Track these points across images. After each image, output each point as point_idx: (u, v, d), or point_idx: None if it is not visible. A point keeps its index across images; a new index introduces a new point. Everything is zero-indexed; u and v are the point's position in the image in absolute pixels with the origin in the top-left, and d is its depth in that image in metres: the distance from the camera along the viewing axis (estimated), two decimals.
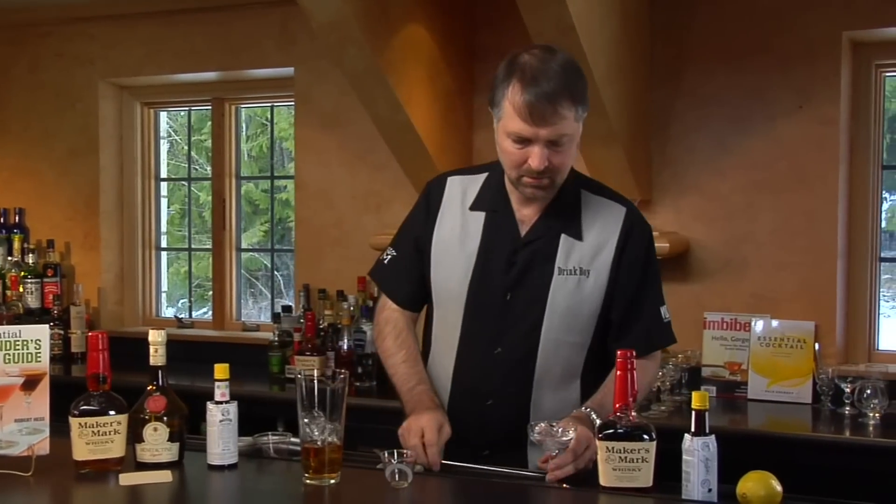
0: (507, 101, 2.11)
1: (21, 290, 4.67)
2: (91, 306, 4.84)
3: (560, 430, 2.04)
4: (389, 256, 2.42)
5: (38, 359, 2.09)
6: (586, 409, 2.14)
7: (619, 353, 1.95)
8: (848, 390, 3.36)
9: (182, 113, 5.21)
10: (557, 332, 2.21)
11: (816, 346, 3.56)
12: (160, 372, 2.12)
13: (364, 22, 3.38)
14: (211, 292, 4.99)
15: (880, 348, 3.71)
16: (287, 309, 4.27)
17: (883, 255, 3.72)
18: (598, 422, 2.08)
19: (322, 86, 4.39)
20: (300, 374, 2.01)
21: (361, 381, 3.90)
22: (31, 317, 4.61)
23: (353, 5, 3.33)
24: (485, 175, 2.33)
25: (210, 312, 4.94)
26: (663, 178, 3.83)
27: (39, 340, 2.09)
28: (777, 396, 3.56)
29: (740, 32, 3.72)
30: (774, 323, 3.62)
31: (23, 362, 2.07)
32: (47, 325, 2.14)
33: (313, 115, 4.44)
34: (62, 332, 4.61)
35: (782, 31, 3.66)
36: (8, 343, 2.06)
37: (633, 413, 1.93)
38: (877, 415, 3.24)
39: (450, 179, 2.37)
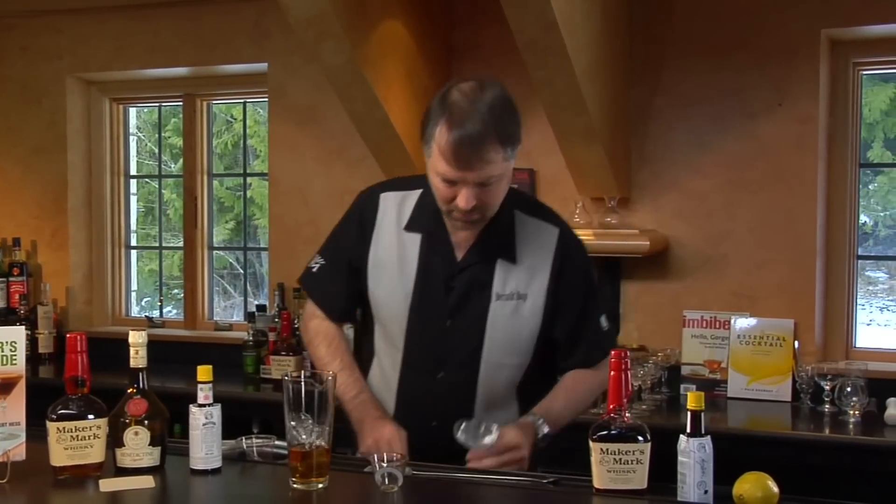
0: (434, 142, 2.08)
1: None
2: (59, 306, 4.75)
3: (483, 429, 2.07)
4: (318, 265, 2.40)
5: (14, 361, 2.02)
6: (533, 416, 2.20)
7: (612, 353, 1.92)
8: (828, 388, 3.36)
9: (146, 110, 5.11)
10: (497, 355, 2.24)
11: (796, 343, 3.56)
12: (141, 374, 2.05)
13: (342, 17, 3.33)
14: (176, 290, 4.92)
15: (857, 346, 3.72)
16: (261, 308, 4.21)
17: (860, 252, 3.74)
18: (545, 428, 2.17)
19: (296, 81, 4.33)
20: (286, 376, 1.96)
21: None
22: None
23: (332, 0, 3.28)
24: (419, 192, 2.28)
25: (176, 311, 4.87)
26: (642, 176, 3.81)
27: (15, 342, 2.02)
28: (757, 395, 3.56)
29: (719, 30, 3.71)
30: (754, 321, 3.62)
31: None
32: (23, 327, 2.07)
33: (287, 111, 4.38)
34: (29, 332, 4.50)
35: (761, 29, 3.66)
36: None
37: (628, 414, 1.90)
38: (857, 412, 3.25)
39: (382, 196, 2.32)
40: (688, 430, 1.84)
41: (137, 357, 2.06)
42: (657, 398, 3.56)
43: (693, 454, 1.82)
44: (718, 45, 3.71)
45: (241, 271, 5.39)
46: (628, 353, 1.93)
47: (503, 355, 2.23)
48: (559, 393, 2.27)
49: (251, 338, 4.09)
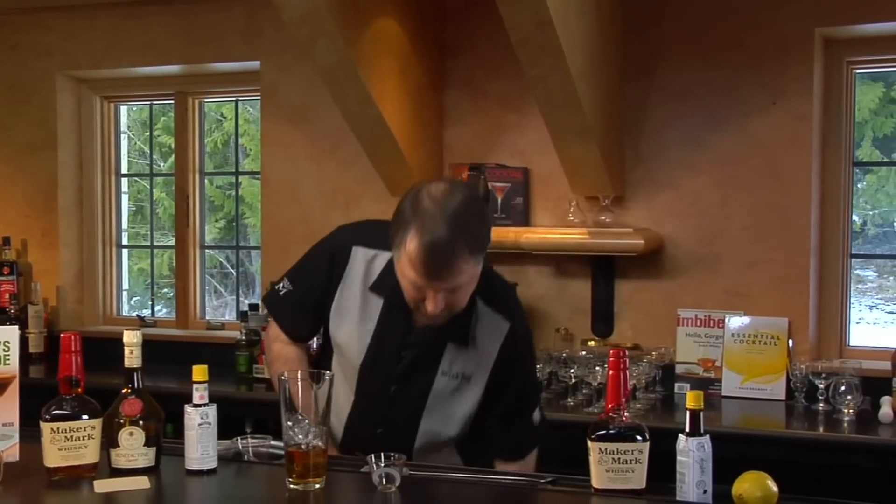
0: (404, 248, 2.06)
1: None
2: (50, 305, 4.71)
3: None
4: (285, 290, 2.41)
5: (7, 361, 2.00)
6: None
7: (611, 351, 1.92)
8: (822, 387, 3.36)
9: (135, 108, 5.08)
10: (434, 426, 2.30)
11: (790, 342, 3.55)
12: (136, 374, 2.04)
13: (336, 14, 3.31)
14: (165, 289, 4.90)
15: (851, 344, 3.72)
16: (254, 307, 4.18)
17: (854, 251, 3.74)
18: None
19: (288, 80, 4.31)
20: (283, 376, 1.94)
21: None
22: None
23: None
24: (389, 256, 2.24)
25: (166, 311, 4.85)
26: (636, 175, 3.81)
27: (8, 342, 2.01)
28: (751, 393, 3.55)
29: (713, 28, 3.71)
30: (748, 319, 3.62)
31: None
32: (16, 327, 2.05)
33: (280, 110, 4.36)
34: (20, 331, 4.46)
35: (755, 27, 3.65)
36: None
37: (626, 414, 1.89)
38: (851, 411, 3.24)
39: (354, 250, 2.32)
40: (687, 429, 1.84)
41: (132, 357, 2.05)
42: (651, 397, 3.55)
43: (692, 453, 1.82)
44: (712, 44, 3.70)
45: (231, 270, 5.38)
46: (627, 353, 1.92)
47: (440, 427, 2.30)
48: None
49: (244, 337, 4.07)
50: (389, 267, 2.24)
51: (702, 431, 1.83)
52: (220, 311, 5.31)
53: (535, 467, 2.35)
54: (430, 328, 2.22)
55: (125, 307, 4.98)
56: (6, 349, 2.00)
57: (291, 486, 1.90)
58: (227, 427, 3.58)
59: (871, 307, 4.18)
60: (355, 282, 2.30)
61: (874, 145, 3.96)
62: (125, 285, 4.99)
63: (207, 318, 4.73)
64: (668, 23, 3.76)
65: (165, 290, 5.17)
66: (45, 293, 4.67)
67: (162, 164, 5.25)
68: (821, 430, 3.23)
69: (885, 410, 3.21)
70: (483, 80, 4.03)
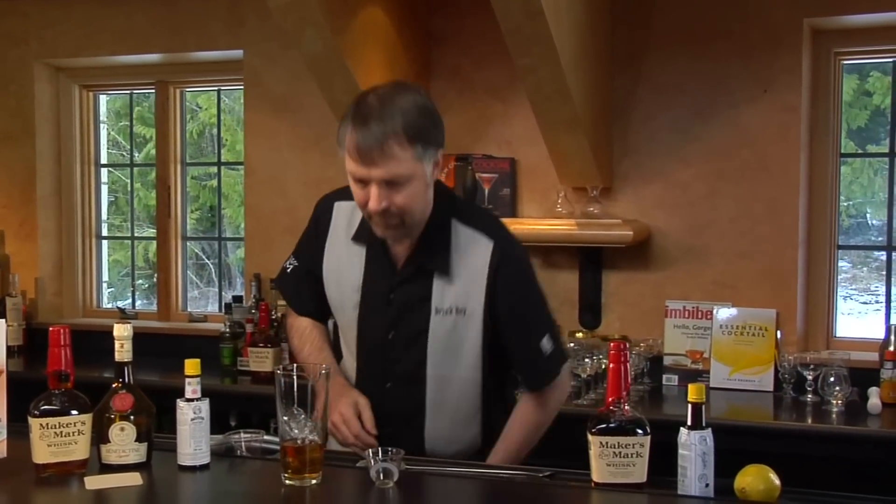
0: (345, 142, 2.06)
1: None
2: (28, 297, 4.64)
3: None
4: (291, 266, 2.42)
5: None
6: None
7: (612, 344, 1.89)
8: (810, 378, 3.36)
9: (109, 97, 5.01)
10: (444, 368, 2.21)
11: (778, 333, 3.55)
12: (126, 368, 2.00)
13: (323, 3, 3.27)
14: (140, 280, 4.85)
15: (838, 335, 3.72)
16: (237, 299, 4.14)
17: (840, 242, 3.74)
18: None
19: (272, 69, 4.26)
20: (279, 369, 1.91)
21: None
22: None
23: None
24: None
25: (145, 302, 4.79)
26: (624, 166, 3.79)
27: None
28: (739, 384, 3.55)
29: (701, 19, 3.70)
30: (736, 311, 3.61)
31: None
32: (3, 320, 1.99)
33: (263, 100, 4.31)
34: None
35: (743, 18, 3.64)
36: None
37: (627, 407, 1.87)
38: (840, 402, 3.25)
39: (336, 205, 2.32)
40: (688, 422, 1.82)
41: (123, 351, 2.01)
42: (640, 389, 3.54)
43: (694, 447, 1.80)
44: (701, 34, 3.69)
45: (207, 261, 5.32)
46: (628, 346, 1.90)
47: (449, 368, 2.20)
48: (508, 437, 2.25)
49: (228, 330, 4.02)
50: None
51: (703, 425, 1.81)
52: (197, 302, 5.25)
53: (557, 407, 2.27)
54: (410, 263, 2.18)
55: (105, 299, 4.91)
56: None
57: (287, 481, 1.87)
58: (212, 421, 3.54)
59: (845, 298, 4.19)
60: (339, 236, 2.28)
61: (849, 136, 3.97)
62: (105, 277, 4.93)
63: (192, 310, 4.67)
64: (656, 13, 3.74)
65: (140, 281, 5.10)
66: (24, 285, 4.61)
67: (137, 155, 5.18)
68: (810, 421, 3.23)
69: (874, 401, 3.22)
70: (470, 69, 4.00)
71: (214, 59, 4.45)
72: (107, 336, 4.56)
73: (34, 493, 1.88)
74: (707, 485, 1.80)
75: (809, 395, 3.36)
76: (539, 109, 3.37)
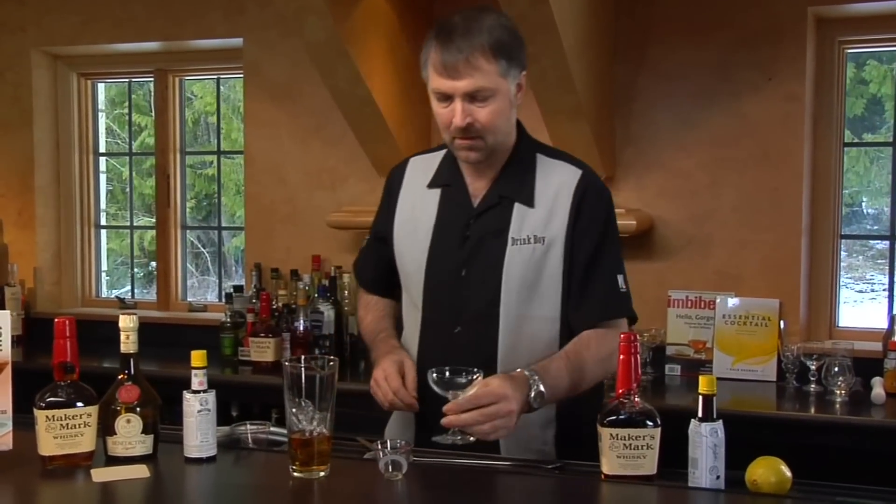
0: (430, 60, 2.07)
1: None
2: (26, 287, 4.62)
3: (464, 376, 1.97)
4: (367, 240, 2.44)
5: (0, 346, 1.93)
6: (528, 370, 2.01)
7: (622, 336, 1.87)
8: (814, 368, 3.35)
9: (104, 86, 4.98)
10: (518, 306, 2.11)
11: (781, 323, 3.55)
12: (132, 360, 1.98)
13: None
14: (137, 269, 4.83)
15: (840, 325, 3.72)
16: (238, 289, 4.12)
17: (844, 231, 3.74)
18: (539, 385, 1.98)
19: (272, 57, 4.23)
20: (286, 361, 1.89)
21: None
22: None
23: None
24: (443, 152, 2.26)
25: (144, 291, 4.77)
26: (627, 155, 3.78)
27: (0, 327, 1.93)
28: (742, 374, 3.55)
29: (704, 7, 3.68)
30: (738, 300, 3.60)
31: None
32: (8, 312, 1.98)
33: (263, 88, 4.28)
34: None
35: (747, 7, 3.62)
36: None
37: (638, 398, 1.86)
38: (843, 392, 3.24)
39: (411, 161, 2.33)
40: (699, 414, 1.81)
41: (128, 342, 1.99)
42: (642, 379, 3.53)
43: (705, 439, 1.79)
44: (704, 23, 3.67)
45: (203, 250, 5.30)
46: (638, 337, 1.88)
47: (524, 305, 2.11)
48: (560, 353, 2.09)
49: (228, 319, 4.00)
50: (445, 159, 2.23)
51: (714, 416, 1.80)
52: (195, 291, 5.23)
53: (612, 352, 2.05)
54: (491, 195, 2.13)
55: (104, 289, 4.89)
56: None
57: (295, 473, 1.85)
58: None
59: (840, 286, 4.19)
60: (413, 188, 2.26)
61: (846, 125, 3.96)
62: (104, 266, 4.91)
63: (192, 299, 4.66)
64: (658, 2, 3.72)
65: (136, 270, 5.08)
66: (22, 274, 4.58)
67: (133, 143, 5.15)
68: (813, 411, 3.22)
69: (878, 391, 3.21)
70: None
71: (213, 47, 4.42)
72: (105, 325, 4.56)
73: (41, 486, 1.87)
74: (718, 477, 1.80)
75: (813, 385, 3.36)
76: (542, 99, 3.35)
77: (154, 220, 4.72)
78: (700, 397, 1.81)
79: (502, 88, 2.06)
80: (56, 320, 1.95)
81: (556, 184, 2.15)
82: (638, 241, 3.71)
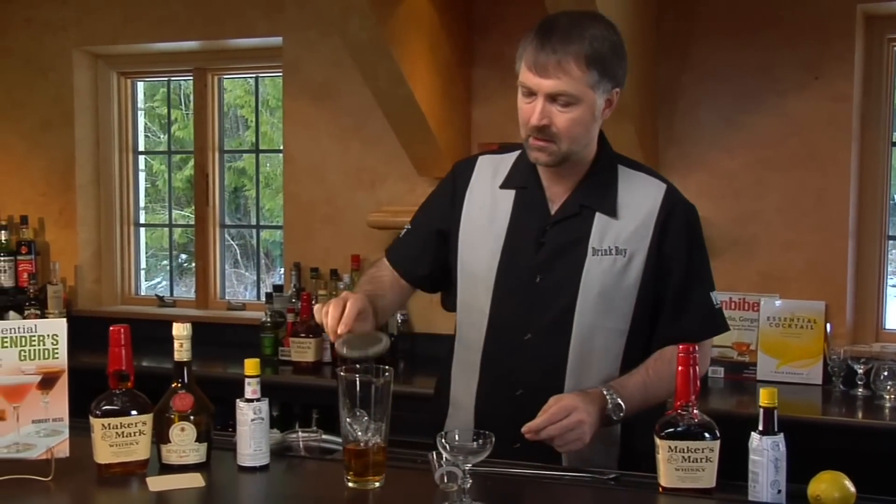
0: (525, 54, 2.06)
1: None
2: (68, 285, 4.65)
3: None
4: (405, 231, 2.35)
5: (56, 355, 1.94)
6: (604, 387, 2.04)
7: (680, 347, 1.84)
8: (861, 371, 3.31)
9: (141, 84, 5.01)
10: (592, 316, 2.09)
11: (827, 326, 3.50)
12: (185, 368, 1.98)
13: None
14: (165, 262, 4.86)
15: (887, 327, 3.67)
16: (278, 288, 4.12)
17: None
18: (616, 401, 2.01)
19: (311, 56, 4.23)
20: (342, 371, 1.89)
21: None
22: (5, 296, 4.42)
23: None
24: (517, 153, 2.23)
25: (183, 288, 4.81)
26: (670, 155, 3.74)
27: (57, 336, 1.94)
28: (787, 377, 3.51)
29: (749, 5, 3.63)
30: (783, 303, 3.56)
31: (39, 359, 1.92)
32: (64, 320, 1.99)
33: (302, 87, 4.28)
34: (39, 312, 4.41)
35: (793, 5, 3.57)
36: (23, 339, 1.91)
37: (696, 411, 1.84)
38: (892, 397, 3.20)
39: (481, 158, 2.29)
40: (760, 427, 1.78)
41: (182, 350, 1.99)
42: None
43: (766, 453, 1.76)
44: (749, 21, 3.62)
45: (233, 242, 5.31)
46: (697, 349, 1.86)
47: (599, 317, 2.08)
48: (639, 370, 2.09)
49: (269, 319, 4.01)
50: (518, 160, 2.20)
51: (776, 430, 1.78)
52: (233, 286, 5.24)
53: (706, 366, 2.13)
54: (571, 202, 2.11)
55: (143, 286, 4.92)
56: (55, 342, 1.94)
57: (350, 484, 1.85)
58: None
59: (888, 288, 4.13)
60: (483, 187, 2.21)
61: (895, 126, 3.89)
62: (143, 264, 4.93)
63: (230, 298, 4.67)
64: (703, 0, 3.67)
65: (165, 262, 5.09)
66: (63, 273, 4.61)
67: (162, 137, 5.16)
68: (860, 416, 3.18)
69: None
70: (512, 57, 3.90)
71: (253, 45, 4.42)
72: (145, 323, 4.60)
73: (97, 494, 1.88)
74: (779, 491, 1.77)
75: (860, 390, 3.32)
76: None
77: (186, 213, 4.73)
78: (761, 410, 1.78)
79: (587, 99, 2.03)
80: (111, 328, 1.95)
81: (640, 196, 2.13)
82: None
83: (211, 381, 3.73)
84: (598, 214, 2.11)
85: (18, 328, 1.91)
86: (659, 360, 2.12)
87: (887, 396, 3.20)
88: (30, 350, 1.92)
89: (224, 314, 4.50)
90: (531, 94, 2.04)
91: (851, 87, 3.52)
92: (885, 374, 3.21)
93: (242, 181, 4.96)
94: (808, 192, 3.59)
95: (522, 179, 2.17)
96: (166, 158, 5.00)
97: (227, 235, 4.82)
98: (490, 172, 2.23)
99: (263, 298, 4.21)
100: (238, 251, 5.22)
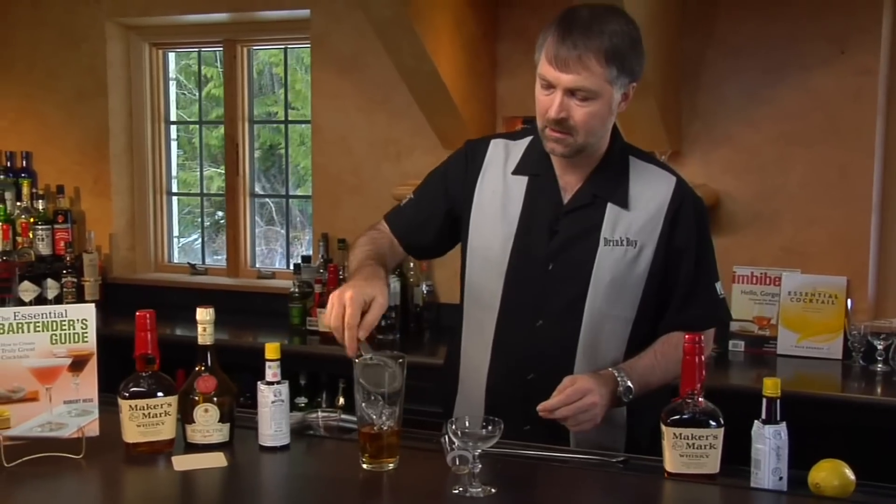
0: (544, 46, 2.09)
1: (31, 236, 4.58)
2: (103, 253, 4.76)
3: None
4: (408, 199, 2.39)
5: (85, 339, 2.03)
6: (615, 369, 2.12)
7: (686, 336, 1.90)
8: (881, 347, 3.34)
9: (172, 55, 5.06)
10: (602, 304, 2.16)
11: (848, 301, 3.52)
12: (209, 352, 2.06)
13: None
14: (204, 236, 4.96)
15: None
16: (306, 259, 4.20)
17: None
18: (627, 381, 2.08)
19: (339, 29, 4.26)
20: (357, 358, 1.96)
21: (384, 335, 3.85)
22: (43, 264, 4.54)
23: None
24: (529, 139, 2.27)
25: (203, 255, 4.91)
26: (693, 129, 3.75)
27: (86, 320, 2.03)
28: (807, 352, 3.54)
29: None
30: (805, 277, 3.58)
31: (70, 343, 2.01)
32: (93, 305, 2.07)
33: (329, 59, 4.32)
34: (75, 280, 4.54)
35: None
36: (54, 323, 2.00)
37: (701, 399, 1.89)
38: None
39: (493, 142, 2.32)
40: (763, 416, 1.83)
41: (205, 334, 2.07)
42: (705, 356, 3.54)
43: (769, 441, 1.81)
44: None
45: (268, 201, 5.37)
46: (703, 338, 1.91)
47: (608, 304, 2.15)
48: (648, 353, 2.18)
49: (297, 289, 4.09)
50: (531, 147, 2.24)
51: (778, 419, 1.82)
52: (258, 241, 5.31)
53: (708, 354, 2.22)
54: (583, 192, 2.16)
55: (176, 254, 5.02)
56: (84, 327, 2.03)
57: (365, 465, 1.93)
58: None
59: None
60: (496, 171, 2.25)
61: None
62: (175, 232, 5.03)
63: (260, 266, 4.76)
64: None
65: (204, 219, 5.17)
66: (98, 241, 4.72)
67: (195, 94, 5.21)
68: (879, 391, 3.21)
69: None
70: (536, 31, 3.81)
71: (281, 18, 4.46)
72: (177, 292, 4.68)
73: (126, 472, 1.97)
74: (781, 478, 1.82)
75: (880, 365, 3.34)
76: None
77: (221, 170, 4.80)
78: (764, 400, 1.83)
79: (605, 93, 2.07)
80: (137, 314, 2.04)
81: (651, 188, 2.18)
82: None
83: (241, 350, 3.85)
84: (609, 205, 2.17)
85: (50, 313, 2.00)
86: (666, 344, 2.19)
87: None
88: (60, 334, 2.00)
89: (254, 283, 4.59)
90: (550, 86, 2.07)
91: (878, 61, 3.50)
92: None
93: (278, 139, 5.00)
94: (832, 166, 3.59)
95: (535, 167, 2.22)
96: (184, 131, 5.08)
97: (260, 192, 4.87)
98: (502, 157, 2.27)
99: (292, 268, 4.29)
100: (273, 208, 5.27)
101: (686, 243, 2.18)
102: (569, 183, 2.20)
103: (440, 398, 2.37)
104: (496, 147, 2.29)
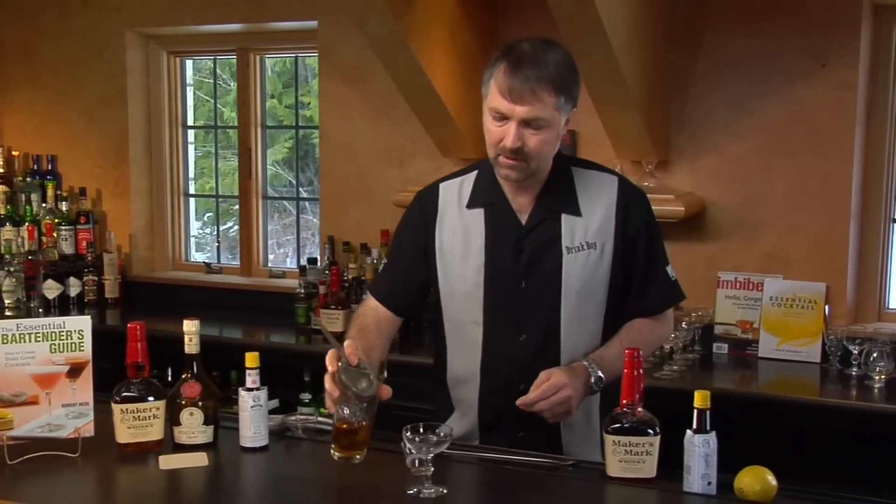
0: (493, 80, 2.23)
1: (55, 236, 4.82)
2: (123, 252, 4.99)
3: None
4: (383, 266, 2.60)
5: (82, 348, 2.22)
6: (587, 361, 2.30)
7: (626, 351, 2.06)
8: (856, 352, 3.46)
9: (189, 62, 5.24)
10: (576, 307, 2.34)
11: (826, 307, 3.65)
12: (195, 360, 2.25)
13: None
14: (219, 236, 5.13)
15: (891, 307, 3.80)
16: (312, 261, 4.39)
17: None
18: (597, 373, 2.27)
19: (345, 40, 4.43)
20: (340, 362, 2.14)
21: None
22: (66, 263, 4.77)
23: None
24: (475, 173, 2.44)
25: (218, 255, 5.10)
26: (681, 139, 3.88)
27: (82, 331, 2.22)
28: (787, 355, 3.67)
29: None
30: (786, 283, 3.71)
31: (67, 352, 2.21)
32: (89, 318, 2.26)
33: (336, 69, 4.49)
34: (96, 278, 4.77)
35: None
36: (53, 334, 2.20)
37: (640, 409, 2.05)
38: (882, 377, 3.34)
39: (442, 185, 2.47)
40: (694, 426, 1.99)
41: (191, 344, 2.26)
42: (689, 357, 3.68)
43: (698, 449, 1.97)
44: (759, 10, 3.72)
45: (292, 183, 5.53)
46: (641, 353, 2.06)
47: (581, 305, 2.33)
48: (614, 341, 2.35)
49: (302, 290, 4.28)
50: (479, 179, 2.40)
51: (707, 429, 1.98)
52: (272, 234, 5.47)
53: (668, 334, 2.58)
54: (538, 210, 2.33)
55: (192, 253, 5.24)
56: (80, 337, 2.22)
57: (335, 454, 2.12)
58: (285, 378, 3.88)
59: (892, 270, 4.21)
60: (451, 211, 2.40)
61: None
62: (192, 232, 5.24)
63: (272, 266, 4.96)
64: None
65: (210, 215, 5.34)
66: (118, 241, 4.95)
67: (217, 117, 5.39)
68: (853, 394, 3.33)
69: None
70: None
71: (291, 28, 4.64)
72: (193, 290, 4.89)
73: (117, 469, 2.17)
74: (709, 483, 1.98)
75: (854, 369, 3.46)
76: (593, 91, 3.48)
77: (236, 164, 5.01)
78: (695, 411, 1.99)
79: (555, 121, 2.24)
80: (129, 325, 2.23)
81: (597, 192, 2.36)
82: (690, 223, 3.83)
83: (252, 348, 4.03)
84: (564, 216, 2.35)
85: (49, 325, 2.20)
86: (631, 331, 2.40)
87: (875, 377, 3.34)
88: (59, 344, 2.20)
89: (265, 282, 4.79)
90: (504, 118, 2.22)
91: (857, 75, 3.61)
92: (875, 355, 3.34)
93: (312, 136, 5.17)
94: (813, 176, 3.71)
95: (488, 196, 2.39)
96: (200, 137, 5.27)
97: (297, 214, 5.03)
98: (454, 197, 2.43)
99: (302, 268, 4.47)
100: (297, 228, 5.44)
101: (637, 235, 2.37)
102: (522, 205, 2.37)
103: (434, 416, 2.51)
104: (446, 189, 2.45)
